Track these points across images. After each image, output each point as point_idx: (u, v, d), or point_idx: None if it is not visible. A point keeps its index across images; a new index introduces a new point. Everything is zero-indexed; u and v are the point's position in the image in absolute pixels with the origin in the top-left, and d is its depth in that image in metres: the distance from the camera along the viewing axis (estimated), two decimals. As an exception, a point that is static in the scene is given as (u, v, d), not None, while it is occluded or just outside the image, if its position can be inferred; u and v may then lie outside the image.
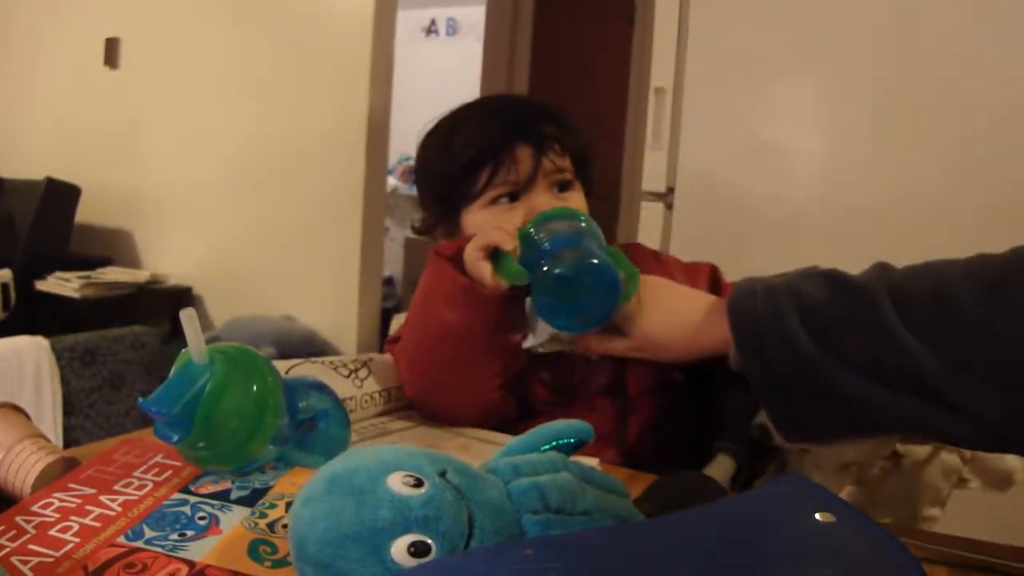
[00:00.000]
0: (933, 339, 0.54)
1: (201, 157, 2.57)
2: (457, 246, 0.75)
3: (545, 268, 0.69)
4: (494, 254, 0.71)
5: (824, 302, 0.60)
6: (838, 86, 1.44)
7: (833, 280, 0.61)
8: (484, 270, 0.71)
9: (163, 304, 2.54)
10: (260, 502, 0.48)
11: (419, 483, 0.36)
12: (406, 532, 0.34)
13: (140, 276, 2.60)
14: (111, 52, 2.76)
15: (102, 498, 0.48)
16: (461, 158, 0.80)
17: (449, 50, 4.66)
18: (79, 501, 0.48)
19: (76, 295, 2.39)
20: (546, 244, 0.71)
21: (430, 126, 0.88)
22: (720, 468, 0.68)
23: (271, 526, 0.45)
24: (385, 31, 2.21)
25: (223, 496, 0.49)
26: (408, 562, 0.34)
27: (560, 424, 0.46)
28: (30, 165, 2.77)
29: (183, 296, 2.60)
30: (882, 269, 0.61)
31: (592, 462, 0.66)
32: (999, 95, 1.29)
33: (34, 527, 0.45)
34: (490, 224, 0.77)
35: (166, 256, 2.72)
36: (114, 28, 2.76)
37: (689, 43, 1.55)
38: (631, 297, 0.71)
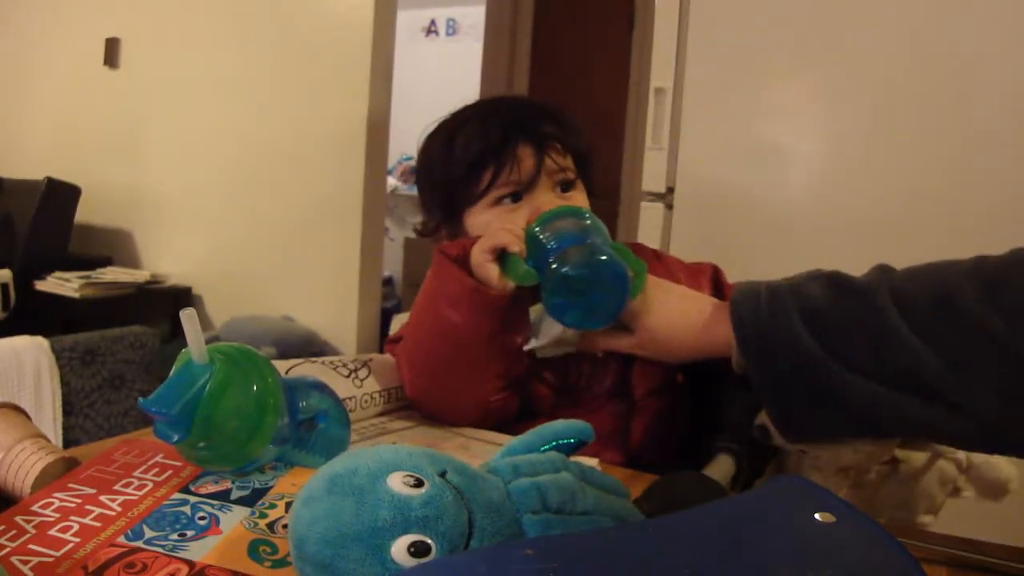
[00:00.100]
0: (934, 338, 0.54)
1: (201, 157, 2.57)
2: (462, 246, 0.75)
3: (553, 267, 0.68)
4: (501, 256, 0.71)
5: (826, 303, 0.60)
6: (838, 87, 1.44)
7: (835, 282, 0.61)
8: (491, 272, 0.71)
9: (163, 304, 2.54)
10: (260, 502, 0.48)
11: (419, 483, 0.36)
12: (406, 532, 0.34)
13: (140, 276, 2.59)
14: (111, 52, 2.76)
15: (102, 498, 0.48)
16: (463, 159, 0.80)
17: (449, 50, 4.66)
18: (79, 501, 0.48)
19: (76, 295, 2.39)
20: (553, 243, 0.71)
21: (430, 129, 0.88)
22: (720, 468, 0.68)
23: (271, 526, 0.45)
24: (385, 31, 2.21)
25: (223, 496, 0.49)
26: (408, 562, 0.34)
27: (560, 424, 0.46)
28: (30, 165, 2.77)
29: (183, 296, 2.59)
30: (883, 271, 0.61)
31: (592, 462, 0.66)
32: (999, 95, 1.29)
33: (34, 527, 0.45)
34: (494, 225, 0.77)
35: (166, 256, 2.72)
36: (114, 28, 2.76)
37: (689, 43, 1.55)
38: (639, 293, 0.71)
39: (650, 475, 0.66)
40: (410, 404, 0.82)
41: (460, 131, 0.83)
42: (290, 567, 0.38)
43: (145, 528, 0.45)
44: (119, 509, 0.47)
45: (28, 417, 0.56)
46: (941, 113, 1.33)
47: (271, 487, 0.50)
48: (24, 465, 0.50)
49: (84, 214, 2.71)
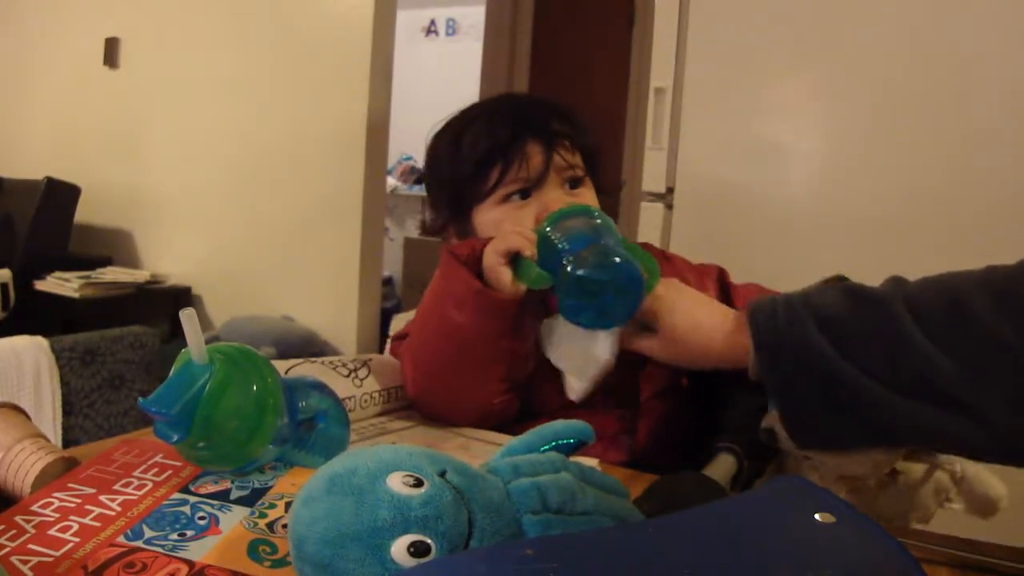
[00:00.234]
0: (948, 346, 0.55)
1: (201, 157, 2.57)
2: (471, 247, 0.75)
3: (568, 270, 0.68)
4: (513, 259, 0.71)
5: (842, 311, 0.60)
6: (838, 86, 1.44)
7: (851, 291, 0.62)
8: (504, 276, 0.71)
9: (163, 304, 2.54)
10: (260, 502, 0.48)
11: (419, 483, 0.36)
12: (406, 532, 0.34)
13: (140, 276, 2.59)
14: (111, 52, 2.76)
15: (102, 498, 0.48)
16: (471, 157, 0.80)
17: (449, 50, 4.66)
18: (79, 501, 0.48)
19: (76, 295, 2.38)
20: (565, 244, 0.70)
21: (438, 127, 0.88)
22: (720, 468, 0.68)
23: (271, 526, 0.45)
24: (385, 31, 2.21)
25: (223, 496, 0.49)
26: (408, 562, 0.34)
27: (560, 424, 0.46)
28: (30, 165, 2.77)
29: (183, 296, 2.59)
30: (897, 282, 0.62)
31: (592, 462, 0.66)
32: (999, 94, 1.29)
33: (34, 527, 0.45)
34: (504, 223, 0.77)
35: (166, 256, 2.72)
36: (114, 28, 2.75)
37: (689, 43, 1.55)
38: (652, 291, 0.71)
39: (650, 475, 0.66)
40: (410, 404, 0.82)
41: (468, 129, 0.83)
42: (290, 567, 0.38)
43: (145, 528, 0.45)
44: (119, 509, 0.47)
45: (28, 417, 0.56)
46: (941, 112, 1.33)
47: (271, 487, 0.50)
48: (24, 465, 0.50)
49: (84, 214, 2.71)
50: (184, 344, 0.49)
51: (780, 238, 1.47)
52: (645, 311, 0.71)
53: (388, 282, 4.19)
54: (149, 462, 0.53)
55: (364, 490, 0.35)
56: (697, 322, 0.70)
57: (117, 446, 0.55)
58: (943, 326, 0.55)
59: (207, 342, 0.50)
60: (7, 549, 0.43)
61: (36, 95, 3.01)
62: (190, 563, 0.41)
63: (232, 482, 0.50)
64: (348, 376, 0.77)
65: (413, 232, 4.59)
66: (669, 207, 1.58)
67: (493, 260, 0.71)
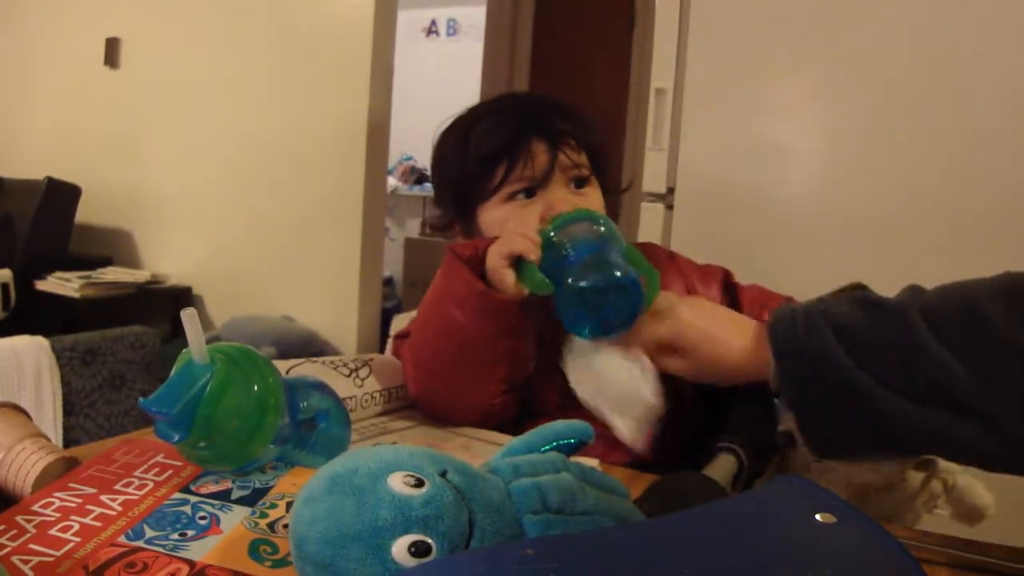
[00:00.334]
0: (963, 352, 0.55)
1: (201, 157, 2.57)
2: (474, 247, 0.75)
3: (569, 281, 0.68)
4: (517, 262, 0.71)
5: (859, 321, 0.61)
6: (838, 86, 1.44)
7: (870, 302, 0.62)
8: (508, 278, 0.71)
9: (163, 304, 2.54)
10: (261, 502, 0.48)
11: (420, 483, 0.36)
12: (407, 532, 0.34)
13: (140, 276, 2.59)
14: (111, 52, 2.76)
15: (103, 498, 0.48)
16: (477, 155, 0.81)
17: (449, 50, 4.66)
18: (79, 501, 0.48)
19: (76, 295, 2.38)
20: (569, 251, 0.70)
21: (446, 124, 0.88)
22: (720, 468, 0.68)
23: (272, 526, 0.45)
24: (385, 31, 2.21)
25: (224, 496, 0.49)
26: (408, 562, 0.34)
27: (560, 425, 0.46)
28: (30, 165, 2.77)
29: (183, 296, 2.59)
30: (914, 291, 0.62)
31: (592, 462, 0.66)
32: (999, 94, 1.29)
33: (35, 527, 0.45)
34: (508, 221, 0.77)
35: (166, 256, 2.72)
36: (114, 28, 2.75)
37: (689, 44, 1.54)
38: (676, 316, 0.71)
39: (650, 475, 0.66)
40: (411, 404, 0.82)
41: (475, 127, 0.83)
42: (291, 567, 0.38)
43: (146, 528, 0.45)
44: (120, 509, 0.47)
45: (28, 417, 0.56)
46: (940, 112, 1.33)
47: (272, 487, 0.50)
48: (25, 465, 0.50)
49: (84, 214, 2.71)
50: (185, 344, 0.49)
51: (780, 238, 1.47)
52: (669, 335, 0.71)
53: (389, 282, 4.19)
54: (150, 462, 0.53)
55: (365, 490, 0.35)
56: (719, 339, 0.70)
57: (118, 446, 0.55)
58: (958, 333, 0.56)
59: (208, 342, 0.50)
60: (8, 549, 0.43)
61: (37, 95, 3.01)
62: (191, 563, 0.41)
63: (233, 482, 0.50)
64: (349, 376, 0.77)
65: (414, 232, 4.59)
66: (669, 207, 1.58)
67: (497, 262, 0.72)
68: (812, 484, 0.40)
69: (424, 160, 4.62)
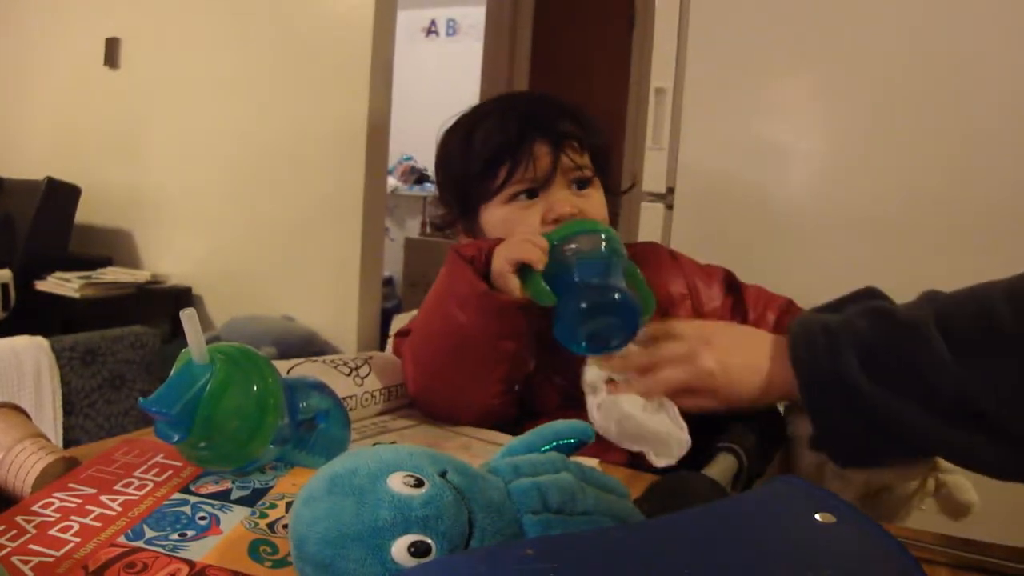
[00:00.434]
0: (977, 362, 0.56)
1: (201, 157, 2.57)
2: (478, 247, 0.75)
3: (570, 297, 0.70)
4: (522, 269, 0.72)
5: (878, 339, 0.62)
6: (838, 86, 1.44)
7: (887, 316, 0.63)
8: (512, 284, 0.71)
9: (163, 304, 2.54)
10: (260, 502, 0.48)
11: (419, 483, 0.36)
12: (406, 532, 0.34)
13: (140, 276, 2.59)
14: (111, 52, 2.76)
15: (102, 498, 0.48)
16: (480, 155, 0.81)
17: (449, 50, 4.66)
18: (79, 501, 0.48)
19: (76, 295, 2.38)
20: (573, 267, 0.71)
21: (450, 123, 0.88)
22: (720, 468, 0.68)
23: (271, 526, 0.45)
24: (385, 31, 2.21)
25: (223, 496, 0.49)
26: (408, 562, 0.34)
27: (560, 424, 0.46)
28: (30, 165, 2.77)
29: (183, 296, 2.59)
30: (930, 300, 0.63)
31: (592, 462, 0.66)
32: (999, 94, 1.29)
33: (34, 527, 0.45)
34: (510, 222, 0.78)
35: (166, 256, 2.72)
36: (114, 28, 2.75)
37: (689, 43, 1.54)
38: (699, 366, 0.71)
39: (650, 475, 0.66)
40: (411, 403, 0.82)
41: (478, 126, 0.83)
42: (290, 567, 0.38)
43: (145, 528, 0.45)
44: (119, 509, 0.47)
45: (28, 417, 0.56)
46: (940, 112, 1.33)
47: (271, 487, 0.50)
48: (25, 465, 0.50)
49: (84, 214, 2.71)
50: (185, 344, 0.49)
51: (780, 238, 1.47)
52: (691, 380, 0.70)
53: (389, 282, 4.19)
54: (150, 462, 0.53)
55: (365, 490, 0.35)
56: (742, 381, 0.70)
57: (118, 446, 0.55)
58: (973, 343, 0.57)
59: (208, 342, 0.50)
60: (8, 549, 0.43)
61: (37, 95, 3.01)
62: (191, 563, 0.41)
63: (233, 482, 0.50)
64: (349, 375, 0.77)
65: (414, 232, 4.59)
66: (669, 207, 1.58)
67: (503, 266, 0.72)
68: (812, 484, 0.40)
69: (424, 160, 4.63)
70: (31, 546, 0.43)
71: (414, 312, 0.87)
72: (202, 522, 0.45)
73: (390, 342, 0.94)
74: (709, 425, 0.75)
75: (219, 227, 2.56)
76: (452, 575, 0.32)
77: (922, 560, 0.49)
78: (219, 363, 0.49)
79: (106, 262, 2.70)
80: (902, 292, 0.71)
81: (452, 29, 4.72)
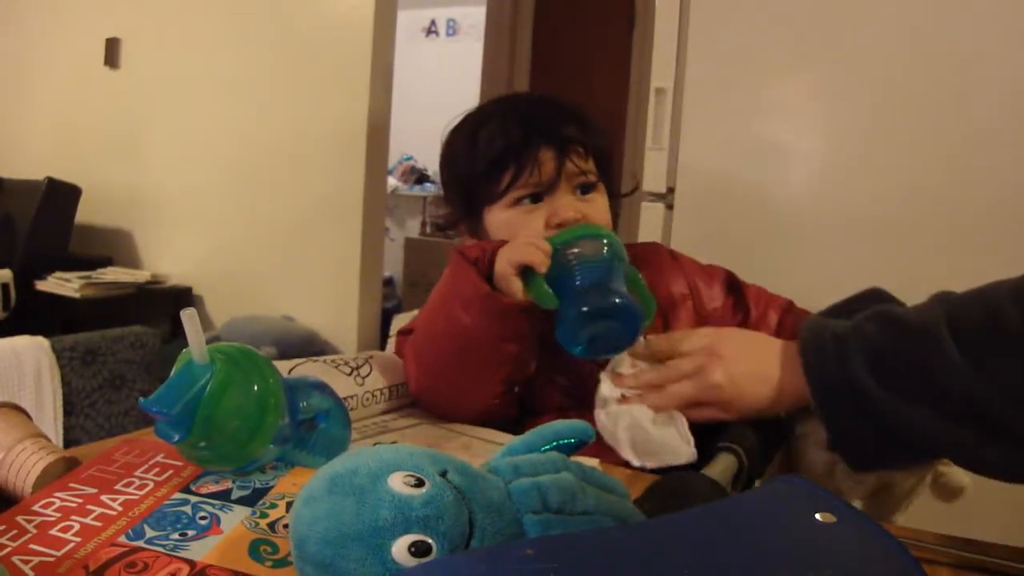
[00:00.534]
0: (987, 364, 0.56)
1: (201, 157, 2.57)
2: (481, 249, 0.75)
3: (572, 301, 0.70)
4: (525, 271, 0.72)
5: (888, 344, 0.62)
6: (838, 86, 1.44)
7: (896, 321, 0.63)
8: (515, 286, 0.72)
9: (163, 304, 2.54)
10: (261, 502, 0.48)
11: (420, 483, 0.36)
12: (407, 532, 0.34)
13: (140, 276, 2.59)
14: (111, 52, 2.76)
15: (103, 498, 0.48)
16: (484, 158, 0.81)
17: (449, 50, 4.66)
18: (80, 501, 0.48)
19: (76, 295, 2.39)
20: (575, 271, 0.72)
21: (455, 122, 0.88)
22: (720, 468, 0.68)
23: (272, 526, 0.45)
24: (385, 31, 2.21)
25: (224, 496, 0.49)
26: (409, 562, 0.34)
27: (560, 424, 0.46)
28: (30, 165, 2.77)
29: (183, 296, 2.59)
30: (940, 302, 0.63)
31: (593, 462, 0.66)
32: (999, 94, 1.29)
33: (35, 527, 0.45)
34: (514, 225, 0.78)
35: (166, 256, 2.72)
36: (115, 28, 2.76)
37: (689, 43, 1.54)
38: (708, 380, 0.71)
39: (650, 475, 0.66)
40: (412, 402, 0.82)
41: (483, 128, 0.83)
42: (291, 567, 0.38)
43: (146, 528, 0.45)
44: (120, 509, 0.47)
45: (29, 417, 0.56)
46: (941, 112, 1.33)
47: (272, 487, 0.50)
48: (25, 465, 0.50)
49: (84, 214, 2.71)
50: (185, 344, 0.49)
51: (780, 238, 1.47)
52: (701, 394, 0.71)
53: (389, 282, 4.19)
54: (150, 462, 0.53)
55: (365, 490, 0.35)
56: (753, 393, 0.70)
57: (118, 446, 0.55)
58: (980, 344, 0.57)
59: (208, 342, 0.50)
60: (8, 549, 0.43)
61: (37, 95, 3.01)
62: (191, 563, 0.41)
63: (233, 482, 0.50)
64: (350, 375, 0.77)
65: (414, 232, 4.59)
66: (670, 207, 1.58)
67: (506, 269, 0.72)
68: (812, 484, 0.40)
69: (424, 160, 4.63)
70: (32, 546, 0.43)
71: (415, 312, 0.87)
72: (203, 522, 0.45)
73: (391, 341, 0.95)
74: (709, 425, 0.75)
75: (219, 227, 2.56)
76: (452, 575, 0.32)
77: (923, 560, 0.49)
78: (219, 363, 0.49)
79: (106, 262, 2.70)
80: (902, 292, 0.71)
81: (452, 29, 4.72)
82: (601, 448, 0.74)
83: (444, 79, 4.30)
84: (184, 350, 0.50)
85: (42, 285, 2.46)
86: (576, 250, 0.73)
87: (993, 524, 0.78)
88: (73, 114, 2.90)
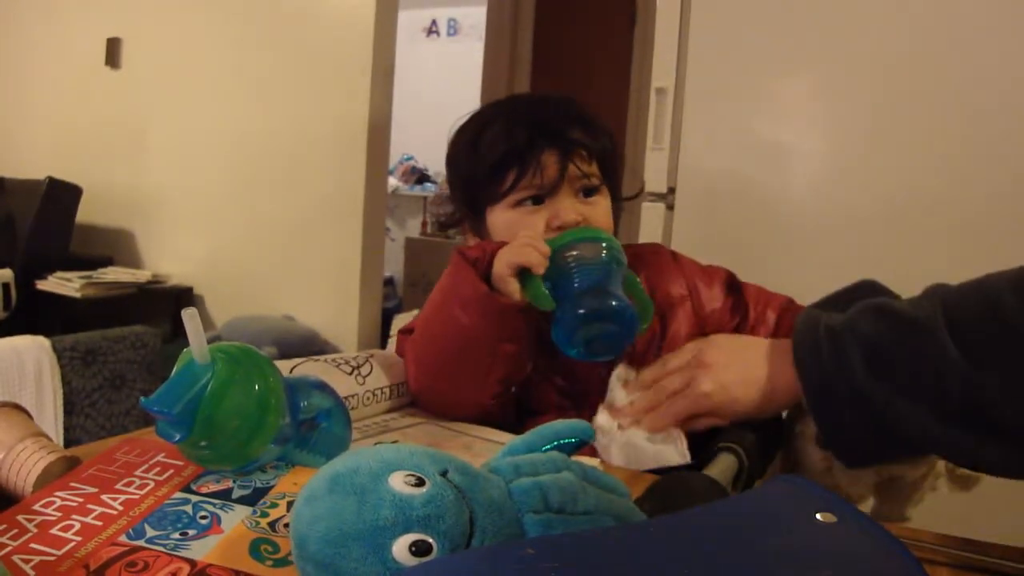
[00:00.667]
0: (988, 363, 0.56)
1: (202, 157, 2.57)
2: (482, 249, 0.75)
3: (569, 303, 0.71)
4: (523, 273, 0.72)
5: (883, 339, 0.61)
6: (838, 85, 1.44)
7: (892, 315, 0.62)
8: (513, 287, 0.72)
9: (164, 304, 2.54)
10: (262, 501, 0.48)
11: (421, 482, 0.36)
12: (407, 531, 0.34)
13: (141, 276, 2.60)
14: (112, 52, 2.76)
15: (104, 497, 0.48)
16: (487, 159, 0.81)
17: (450, 50, 4.66)
18: (80, 500, 0.48)
19: (77, 295, 2.39)
20: (574, 274, 0.72)
21: (461, 121, 0.88)
22: (721, 468, 0.68)
23: (272, 525, 0.45)
24: (386, 31, 2.21)
25: (225, 495, 0.49)
26: (409, 561, 0.34)
27: (561, 424, 0.47)
28: (31, 165, 2.77)
29: (184, 296, 2.60)
30: (936, 294, 0.62)
31: (593, 462, 0.66)
32: (999, 94, 1.29)
33: (36, 526, 0.45)
34: (516, 227, 0.79)
35: (167, 256, 2.72)
36: (115, 28, 2.76)
37: (690, 43, 1.55)
38: (703, 394, 0.72)
39: (650, 475, 0.66)
40: (413, 402, 0.82)
41: (487, 128, 0.83)
42: (292, 566, 0.38)
43: (147, 527, 0.45)
44: (121, 508, 0.47)
45: (30, 416, 0.56)
46: (941, 111, 1.33)
47: (273, 486, 0.50)
48: (26, 464, 0.50)
49: (85, 214, 2.71)
50: (186, 344, 0.49)
51: (781, 238, 1.47)
52: (695, 407, 0.71)
53: (389, 282, 4.19)
54: (151, 461, 0.53)
55: (366, 489, 0.35)
56: (746, 399, 0.70)
57: (119, 445, 0.55)
58: (979, 336, 0.56)
59: (209, 342, 0.50)
60: (9, 548, 0.43)
61: (38, 95, 3.01)
62: (192, 562, 0.41)
63: (234, 481, 0.50)
64: (351, 374, 0.77)
65: (414, 232, 4.59)
66: (670, 207, 1.58)
67: (504, 270, 0.72)
68: (812, 484, 0.40)
69: (424, 160, 4.63)
70: (32, 545, 0.43)
71: (416, 311, 0.87)
72: (203, 521, 0.45)
73: (391, 341, 0.95)
74: (713, 427, 0.75)
75: (220, 227, 2.57)
76: (453, 574, 0.32)
77: (922, 560, 0.49)
78: (220, 362, 0.49)
79: (107, 262, 2.70)
80: (903, 292, 0.71)
81: (453, 29, 4.72)
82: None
83: (445, 79, 4.31)
84: (185, 350, 0.50)
85: (43, 285, 2.46)
86: (574, 252, 0.73)
87: (993, 524, 0.78)
88: (74, 114, 2.90)
